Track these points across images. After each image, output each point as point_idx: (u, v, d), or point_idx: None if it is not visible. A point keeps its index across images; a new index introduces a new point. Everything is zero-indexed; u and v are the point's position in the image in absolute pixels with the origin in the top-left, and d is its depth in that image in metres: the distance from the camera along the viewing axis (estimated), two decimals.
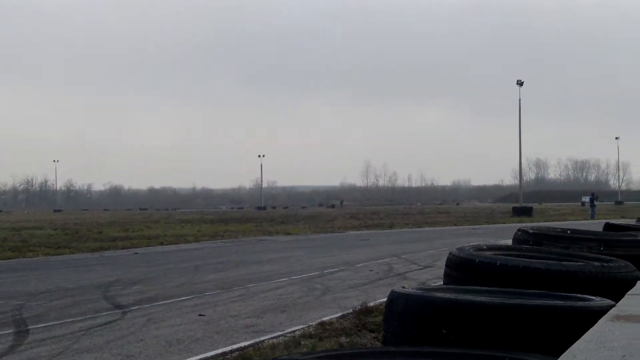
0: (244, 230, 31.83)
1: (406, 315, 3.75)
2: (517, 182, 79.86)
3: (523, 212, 46.29)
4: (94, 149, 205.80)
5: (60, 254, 19.30)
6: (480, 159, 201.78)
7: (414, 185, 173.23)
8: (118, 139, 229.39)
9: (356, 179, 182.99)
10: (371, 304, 8.42)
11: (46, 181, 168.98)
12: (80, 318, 8.55)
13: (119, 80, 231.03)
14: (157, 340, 7.17)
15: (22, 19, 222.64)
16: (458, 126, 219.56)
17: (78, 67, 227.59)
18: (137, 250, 20.58)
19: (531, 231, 6.95)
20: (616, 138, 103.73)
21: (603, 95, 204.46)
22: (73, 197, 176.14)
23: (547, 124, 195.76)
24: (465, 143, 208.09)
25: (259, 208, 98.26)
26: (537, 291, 4.22)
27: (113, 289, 11.29)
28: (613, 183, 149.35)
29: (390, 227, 34.24)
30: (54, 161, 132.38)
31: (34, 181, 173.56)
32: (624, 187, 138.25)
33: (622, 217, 36.80)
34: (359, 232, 30.36)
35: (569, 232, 7.07)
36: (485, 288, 4.31)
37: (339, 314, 8.29)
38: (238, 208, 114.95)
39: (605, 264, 4.96)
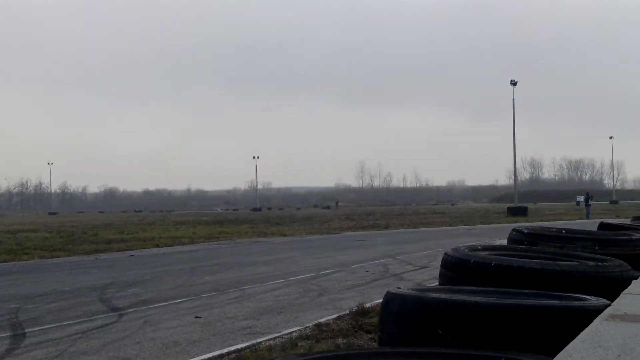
0: (239, 231, 31.81)
1: (402, 316, 3.76)
2: (511, 182, 79.92)
3: (518, 212, 46.38)
4: (89, 152, 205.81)
5: (55, 257, 19.25)
6: (475, 159, 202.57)
7: (408, 185, 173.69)
8: (112, 141, 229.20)
9: (351, 180, 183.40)
10: (367, 304, 8.43)
11: (41, 184, 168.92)
12: (76, 321, 8.54)
13: (114, 83, 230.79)
14: (154, 343, 7.16)
15: (18, 22, 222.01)
16: (452, 126, 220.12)
17: (72, 70, 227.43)
18: (132, 252, 20.55)
19: (526, 231, 6.97)
20: (610, 137, 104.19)
21: (597, 95, 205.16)
22: (68, 199, 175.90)
23: (541, 124, 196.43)
24: (459, 143, 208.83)
25: (254, 209, 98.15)
26: (532, 291, 4.23)
27: (109, 292, 11.28)
28: (607, 182, 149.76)
29: (386, 227, 34.25)
30: (49, 164, 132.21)
31: (28, 184, 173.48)
32: (618, 186, 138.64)
33: (617, 216, 36.93)
34: (355, 233, 30.36)
35: (563, 231, 7.09)
36: (480, 288, 4.33)
37: (336, 315, 8.29)
38: (233, 210, 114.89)
39: (600, 264, 4.98)
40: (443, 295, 3.87)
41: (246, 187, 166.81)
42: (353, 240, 24.23)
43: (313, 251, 19.63)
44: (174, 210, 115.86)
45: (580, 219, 41.27)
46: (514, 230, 7.17)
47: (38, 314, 9.22)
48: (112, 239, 26.57)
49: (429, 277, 11.75)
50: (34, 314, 9.22)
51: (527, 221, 35.37)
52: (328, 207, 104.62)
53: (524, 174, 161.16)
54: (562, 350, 2.71)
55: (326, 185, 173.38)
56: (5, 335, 7.78)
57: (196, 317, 8.64)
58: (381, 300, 4.23)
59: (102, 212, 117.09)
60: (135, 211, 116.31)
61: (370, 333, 7.01)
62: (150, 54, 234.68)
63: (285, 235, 29.00)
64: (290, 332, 7.42)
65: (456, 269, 5.06)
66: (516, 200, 57.59)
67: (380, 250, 18.81)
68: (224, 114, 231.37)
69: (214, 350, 6.78)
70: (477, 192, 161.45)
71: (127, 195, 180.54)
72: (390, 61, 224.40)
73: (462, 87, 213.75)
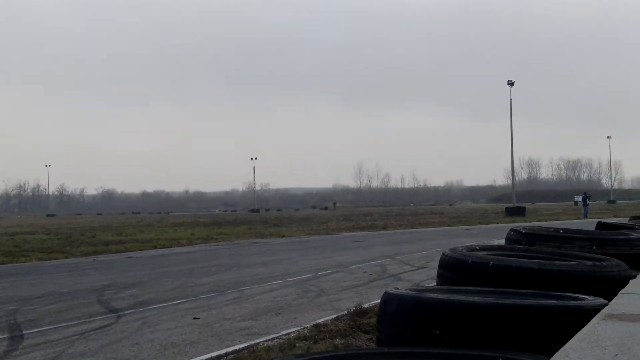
0: (237, 233, 31.80)
1: (399, 316, 3.76)
2: (509, 182, 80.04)
3: (516, 212, 46.44)
4: (87, 154, 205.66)
5: (53, 259, 19.23)
6: (473, 159, 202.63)
7: (406, 186, 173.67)
8: (111, 142, 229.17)
9: (349, 181, 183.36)
10: (365, 305, 8.44)
11: (39, 186, 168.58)
12: (74, 322, 8.53)
13: (114, 83, 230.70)
14: (152, 344, 7.16)
15: (18, 22, 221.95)
16: (450, 127, 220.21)
17: (72, 70, 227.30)
18: (130, 254, 20.53)
19: (523, 231, 6.97)
20: (608, 137, 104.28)
21: (594, 95, 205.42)
22: (66, 201, 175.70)
23: (538, 124, 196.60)
24: (457, 144, 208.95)
25: (253, 211, 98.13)
26: (530, 291, 4.23)
27: (107, 293, 11.27)
28: (605, 182, 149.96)
29: (384, 228, 34.26)
30: (47, 166, 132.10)
31: (26, 186, 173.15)
32: (616, 186, 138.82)
33: (615, 216, 36.96)
34: (353, 233, 30.35)
35: (561, 231, 7.10)
36: (478, 288, 4.33)
37: (334, 316, 8.30)
38: (231, 211, 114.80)
39: (597, 263, 4.98)
40: (441, 296, 3.87)
41: (244, 189, 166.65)
42: (351, 241, 24.23)
43: (311, 252, 19.63)
44: (172, 212, 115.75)
45: (578, 218, 41.33)
46: (511, 230, 7.17)
47: (36, 315, 9.21)
48: (110, 241, 26.55)
49: (427, 278, 11.75)
50: (32, 315, 9.21)
51: (525, 221, 35.41)
52: (326, 208, 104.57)
53: (522, 174, 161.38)
54: (560, 350, 2.71)
55: (324, 186, 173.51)
56: (3, 337, 7.77)
57: (194, 318, 8.64)
58: (379, 301, 4.23)
59: (100, 214, 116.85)
60: (133, 213, 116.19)
61: (368, 333, 7.02)
62: (150, 54, 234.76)
63: (283, 236, 28.99)
64: (289, 333, 7.43)
65: (454, 269, 5.06)
66: (514, 201, 57.70)
67: (378, 251, 18.81)
68: (223, 115, 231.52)
69: (212, 351, 6.78)
70: (475, 193, 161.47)
71: (125, 197, 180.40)
72: (390, 61, 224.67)
73: (461, 87, 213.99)
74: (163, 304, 9.91)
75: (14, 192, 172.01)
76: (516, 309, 3.51)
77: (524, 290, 4.24)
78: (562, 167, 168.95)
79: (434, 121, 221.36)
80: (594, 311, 3.48)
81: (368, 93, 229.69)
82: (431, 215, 52.65)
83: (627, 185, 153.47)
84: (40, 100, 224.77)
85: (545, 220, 36.51)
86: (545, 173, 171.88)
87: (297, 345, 6.71)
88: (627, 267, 5.08)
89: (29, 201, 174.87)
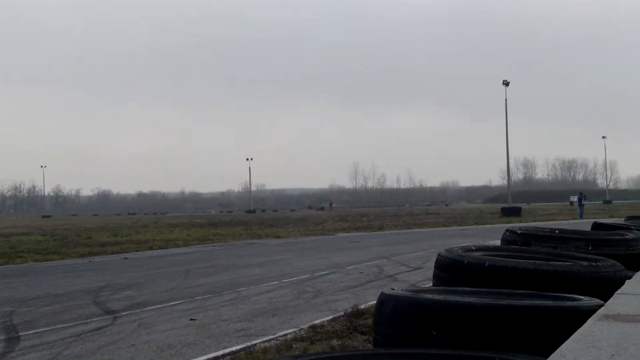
0: (233, 233, 31.78)
1: (396, 317, 3.76)
2: (505, 182, 79.98)
3: (512, 212, 46.49)
4: (82, 154, 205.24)
5: (49, 260, 19.19)
6: (468, 159, 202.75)
7: (402, 186, 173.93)
8: (108, 143, 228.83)
9: (345, 181, 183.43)
10: (362, 306, 8.44)
11: (34, 187, 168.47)
12: (71, 324, 8.52)
13: (107, 85, 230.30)
14: (149, 346, 7.16)
15: (18, 22, 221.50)
16: (445, 127, 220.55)
17: (72, 70, 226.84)
18: (126, 255, 20.51)
19: (519, 231, 6.98)
20: (603, 137, 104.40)
21: (590, 95, 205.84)
22: (61, 202, 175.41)
23: (534, 124, 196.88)
24: (453, 144, 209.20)
25: (249, 211, 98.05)
26: (525, 291, 4.23)
27: (103, 295, 11.25)
28: (601, 182, 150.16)
29: (380, 228, 34.28)
30: (42, 167, 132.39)
31: (22, 187, 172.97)
32: (611, 186, 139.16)
33: (611, 216, 37.04)
34: (349, 234, 30.36)
35: (557, 232, 7.11)
36: (474, 289, 4.33)
37: (330, 317, 8.30)
38: (227, 212, 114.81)
39: (593, 264, 4.98)
40: (437, 296, 3.88)
41: (240, 189, 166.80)
42: (347, 242, 24.24)
43: (307, 253, 19.63)
44: (167, 213, 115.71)
45: (574, 219, 41.39)
46: (507, 230, 7.18)
47: (32, 317, 9.19)
48: (106, 242, 26.51)
49: (423, 278, 11.76)
50: (28, 317, 9.19)
51: (521, 221, 35.44)
52: (322, 209, 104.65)
53: (518, 175, 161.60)
54: (556, 351, 2.72)
55: (320, 187, 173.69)
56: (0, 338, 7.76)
57: (191, 319, 8.64)
58: (375, 302, 4.23)
59: (96, 214, 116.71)
60: (129, 214, 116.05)
61: (364, 334, 7.03)
62: (150, 54, 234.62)
63: (279, 237, 28.98)
64: (285, 334, 7.43)
65: (450, 269, 5.06)
66: (510, 201, 57.71)
67: (375, 252, 18.82)
68: (222, 115, 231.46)
69: (208, 352, 6.78)
70: (470, 193, 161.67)
71: (120, 197, 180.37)
72: (390, 61, 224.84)
73: (461, 87, 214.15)
74: (159, 305, 9.91)
75: (9, 192, 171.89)
76: (512, 310, 3.51)
77: (520, 291, 4.24)
78: (558, 167, 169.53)
79: (433, 121, 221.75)
80: (590, 312, 3.48)
81: (368, 93, 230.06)
82: (427, 216, 52.69)
83: (622, 186, 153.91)
84: (41, 100, 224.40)
85: (541, 221, 36.56)
86: (541, 173, 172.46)
87: (294, 346, 6.71)
88: (623, 267, 5.08)
89: (24, 202, 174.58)
